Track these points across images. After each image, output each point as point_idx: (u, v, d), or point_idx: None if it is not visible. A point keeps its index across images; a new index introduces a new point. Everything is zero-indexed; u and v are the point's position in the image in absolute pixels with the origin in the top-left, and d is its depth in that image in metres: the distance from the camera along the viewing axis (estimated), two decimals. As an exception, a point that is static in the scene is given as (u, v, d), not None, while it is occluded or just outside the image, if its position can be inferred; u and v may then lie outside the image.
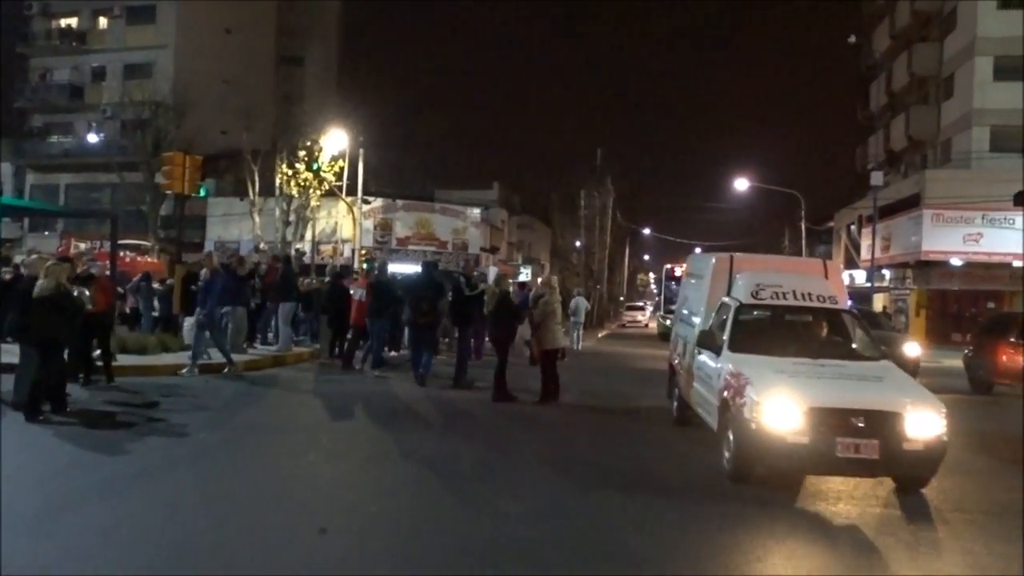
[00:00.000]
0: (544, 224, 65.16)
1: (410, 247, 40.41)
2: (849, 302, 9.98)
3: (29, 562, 4.85)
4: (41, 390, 8.97)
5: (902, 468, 6.95)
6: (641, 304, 65.57)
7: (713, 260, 10.22)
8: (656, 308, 48.99)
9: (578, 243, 56.76)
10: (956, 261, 31.63)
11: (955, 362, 18.71)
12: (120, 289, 16.48)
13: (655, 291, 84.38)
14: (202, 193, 22.19)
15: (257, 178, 37.23)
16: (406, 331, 16.18)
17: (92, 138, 43.59)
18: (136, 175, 39.05)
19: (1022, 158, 32.47)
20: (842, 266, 11.71)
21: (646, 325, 52.78)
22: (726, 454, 7.54)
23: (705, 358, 8.83)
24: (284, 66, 54.14)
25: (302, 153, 33.88)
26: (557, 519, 6.15)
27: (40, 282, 9.09)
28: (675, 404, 10.63)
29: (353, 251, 33.54)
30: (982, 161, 33.01)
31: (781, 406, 6.84)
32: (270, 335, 16.79)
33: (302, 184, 35.39)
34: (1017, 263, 30.45)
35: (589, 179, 52.48)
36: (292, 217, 36.86)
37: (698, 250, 53.50)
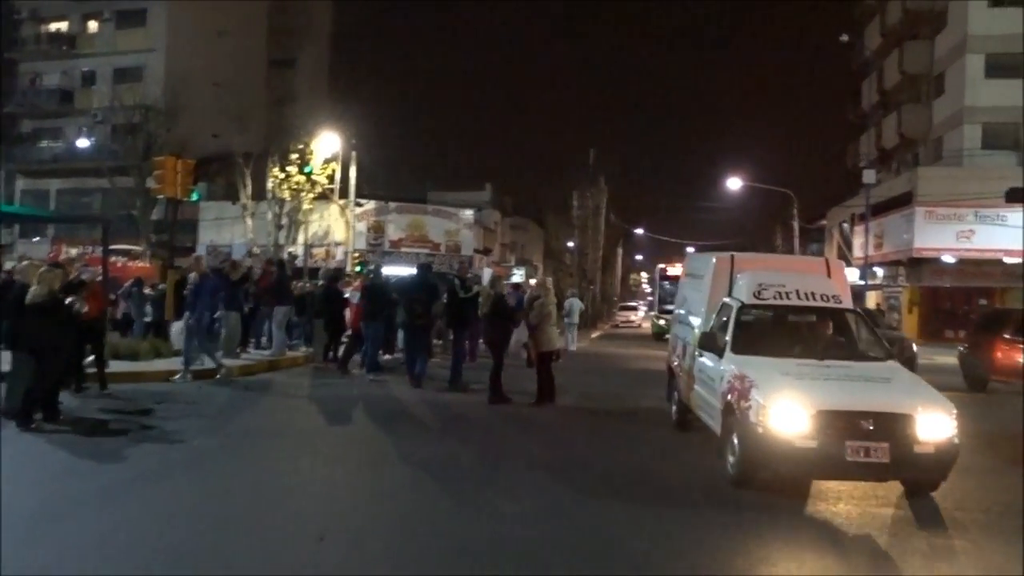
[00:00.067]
0: (537, 225, 65.18)
1: (403, 249, 40.32)
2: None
3: (24, 569, 4.79)
4: (34, 398, 8.88)
5: (913, 472, 6.78)
6: (635, 304, 65.65)
7: (713, 260, 10.00)
8: (650, 308, 49.00)
9: (571, 244, 56.78)
10: (948, 258, 31.76)
11: (948, 359, 18.71)
12: (112, 295, 16.38)
13: (648, 291, 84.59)
14: (194, 197, 22.10)
15: (249, 181, 37.08)
16: (400, 334, 16.17)
17: (82, 143, 43.34)
18: (127, 180, 38.85)
19: (1014, 155, 32.68)
20: (844, 264, 11.43)
21: (640, 325, 52.80)
22: (730, 459, 7.33)
23: (706, 360, 8.64)
24: (276, 68, 53.92)
25: (294, 156, 33.77)
26: (558, 523, 6.08)
27: (33, 289, 9.01)
28: (674, 407, 10.42)
29: (346, 254, 33.46)
30: (974, 158, 33.15)
31: (788, 409, 6.68)
32: (263, 340, 16.71)
33: (294, 187, 35.26)
34: (1009, 259, 30.59)
35: (582, 180, 52.50)
36: (284, 220, 36.73)
37: (691, 249, 53.60)
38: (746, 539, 5.81)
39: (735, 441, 7.21)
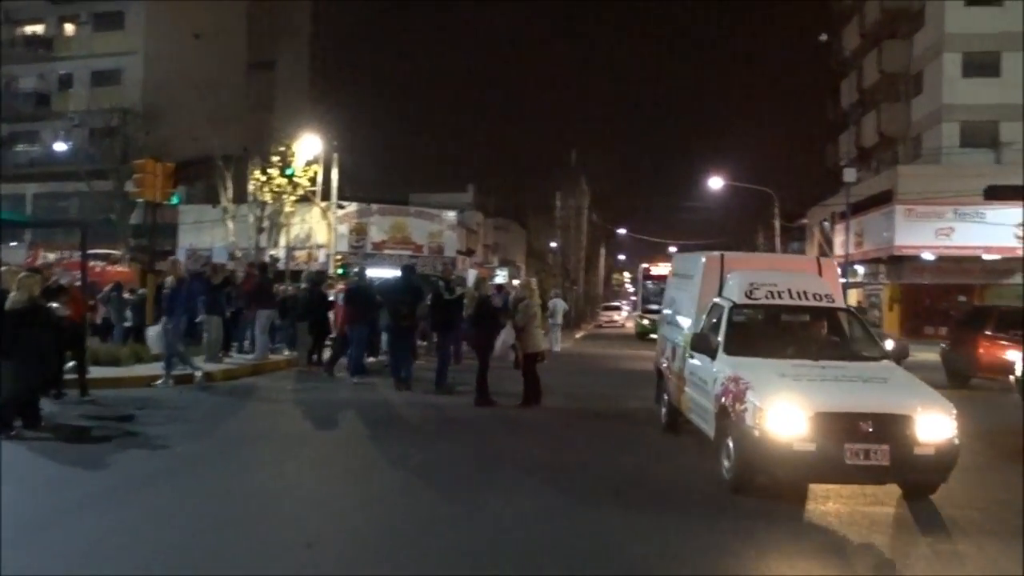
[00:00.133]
0: (519, 226, 65.16)
1: (386, 251, 40.18)
2: None
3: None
4: (13, 405, 8.73)
5: (914, 474, 6.65)
6: (618, 304, 65.83)
7: (703, 259, 9.76)
8: (633, 308, 49.11)
9: (553, 244, 56.84)
10: (928, 255, 31.99)
11: (929, 355, 18.83)
12: (91, 299, 16.18)
13: (630, 291, 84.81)
14: (174, 200, 21.83)
15: (230, 184, 36.81)
16: (383, 336, 16.09)
17: (59, 146, 42.85)
18: (105, 183, 38.46)
19: (991, 153, 32.99)
20: (836, 263, 11.29)
21: (623, 325, 52.94)
22: (725, 463, 7.17)
23: (698, 362, 8.45)
24: (255, 71, 53.57)
25: (275, 158, 33.55)
26: (552, 528, 6.00)
27: (13, 295, 8.87)
28: (664, 410, 10.22)
29: (328, 256, 33.28)
30: (952, 156, 33.40)
31: (786, 412, 6.53)
32: (246, 344, 16.57)
33: (276, 190, 35.03)
34: (988, 256, 30.87)
35: (564, 180, 52.58)
36: (266, 223, 36.48)
37: (673, 249, 53.90)
38: (744, 545, 5.70)
39: (730, 445, 7.05)
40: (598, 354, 26.00)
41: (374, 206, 41.36)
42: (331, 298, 16.81)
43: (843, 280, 32.50)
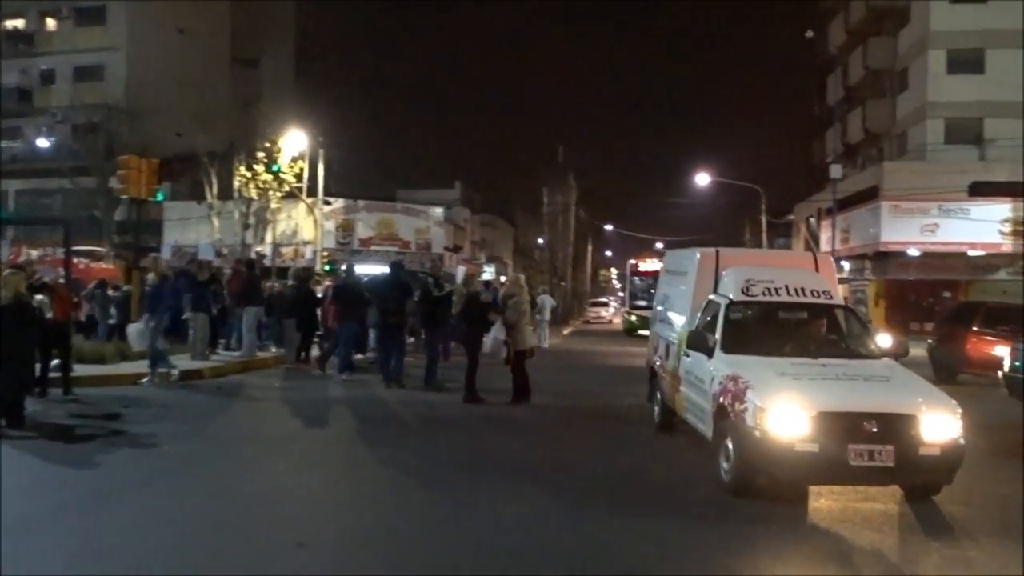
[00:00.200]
0: (506, 222, 65.09)
1: (373, 248, 40.02)
2: None
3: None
4: (-2, 404, 8.60)
5: (919, 475, 6.51)
6: (605, 300, 65.88)
7: (697, 255, 9.51)
8: (621, 304, 49.18)
9: (540, 240, 56.83)
10: (913, 251, 32.16)
11: (915, 351, 18.85)
12: (75, 297, 16.01)
13: (617, 286, 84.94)
14: (159, 197, 21.63)
15: (215, 180, 36.57)
16: (371, 333, 16.01)
17: (42, 143, 42.43)
18: (89, 180, 38.13)
19: (975, 149, 33.21)
20: (832, 259, 11.08)
21: (610, 321, 53.02)
22: (724, 465, 6.95)
23: (694, 361, 8.23)
24: (239, 67, 53.22)
25: (261, 155, 33.33)
26: (545, 529, 5.91)
27: (-2, 292, 8.74)
28: (657, 409, 9.99)
29: (315, 253, 33.10)
30: (937, 153, 33.59)
31: (787, 412, 6.35)
32: (233, 342, 16.44)
33: (261, 186, 34.82)
34: (972, 252, 31.08)
35: (552, 177, 52.56)
36: (252, 220, 36.26)
37: (659, 245, 54.05)
38: (747, 548, 5.57)
39: (729, 446, 6.86)
40: (586, 350, 26.00)
41: (361, 202, 41.17)
42: (319, 295, 16.69)
43: (832, 276, 32.94)
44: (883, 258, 33.27)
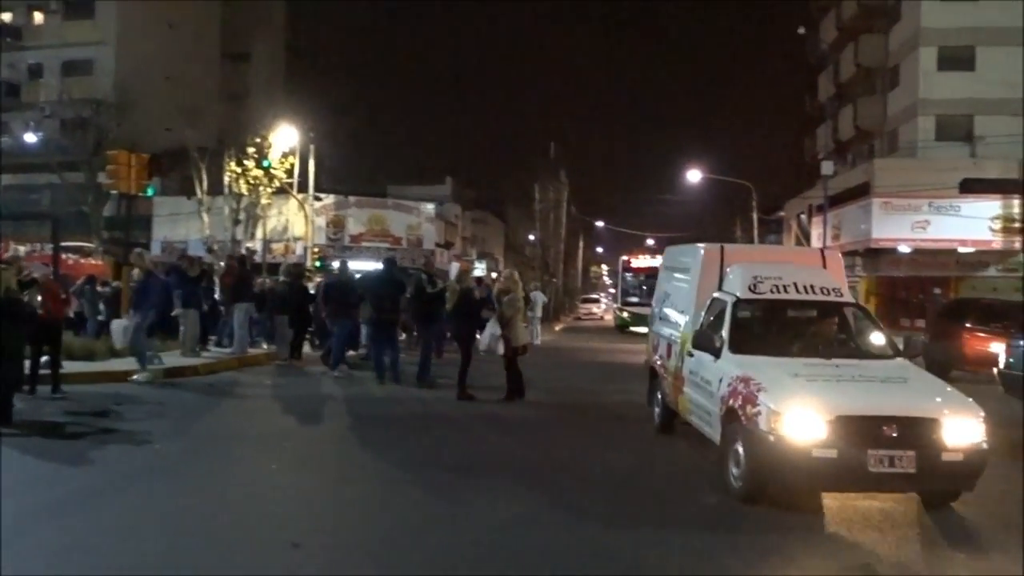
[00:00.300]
0: (497, 218, 65.02)
1: (364, 244, 39.89)
2: None
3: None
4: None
5: (941, 482, 6.24)
6: (596, 297, 65.90)
7: (701, 251, 9.15)
8: (613, 300, 49.20)
9: (531, 236, 56.78)
10: (904, 248, 32.23)
11: (910, 348, 18.89)
12: (63, 293, 15.85)
13: (608, 283, 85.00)
14: (149, 192, 21.46)
15: (205, 176, 36.35)
16: (363, 330, 15.92)
17: (30, 138, 42.09)
18: (77, 175, 37.83)
19: (966, 147, 33.30)
20: (840, 255, 10.44)
21: (602, 317, 53.03)
22: (733, 470, 6.64)
23: (699, 361, 7.91)
24: (229, 62, 52.96)
25: (251, 150, 33.15)
26: (544, 529, 5.82)
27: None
28: (657, 410, 9.68)
29: (305, 249, 32.97)
30: (928, 150, 33.66)
31: (804, 415, 6.06)
32: (225, 340, 16.32)
33: (252, 182, 34.63)
34: (963, 249, 31.16)
35: (543, 172, 52.49)
36: (242, 216, 36.07)
37: (650, 242, 54.05)
38: (762, 559, 5.37)
39: (740, 451, 6.55)
40: (579, 347, 25.97)
41: (352, 198, 41.01)
42: (311, 291, 16.60)
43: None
44: (874, 255, 33.33)
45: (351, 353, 15.96)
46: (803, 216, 41.61)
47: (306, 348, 16.63)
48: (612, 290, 59.04)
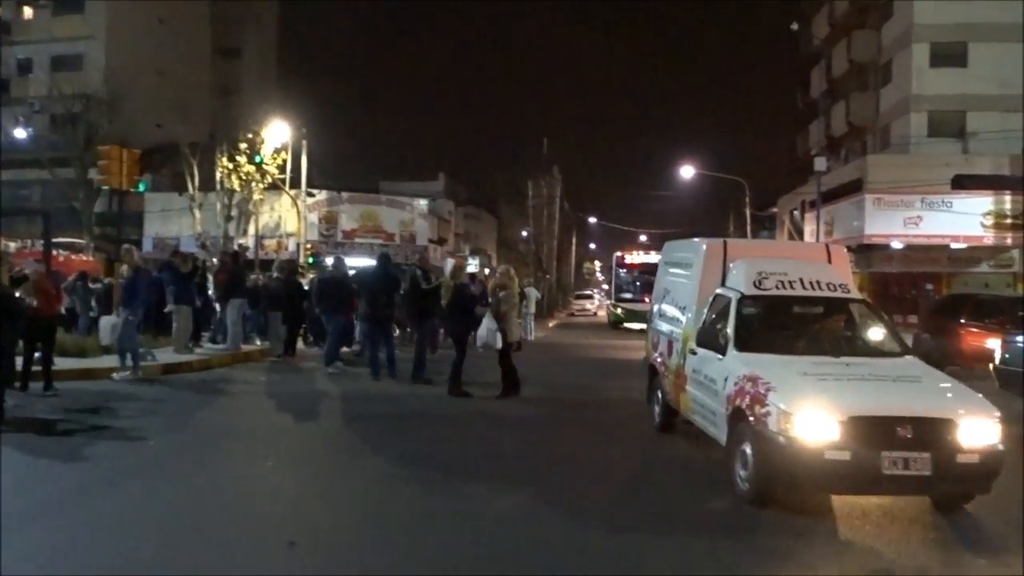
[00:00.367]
0: (490, 214, 64.96)
1: (357, 240, 39.80)
2: None
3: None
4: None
5: (957, 484, 6.08)
6: (590, 293, 65.93)
7: (703, 246, 8.98)
8: (606, 297, 49.18)
9: (524, 233, 56.78)
10: (897, 244, 32.32)
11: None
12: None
13: (601, 279, 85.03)
14: (141, 188, 21.36)
15: (196, 172, 36.17)
16: (357, 326, 15.87)
17: (19, 133, 41.80)
18: (68, 171, 37.60)
19: (958, 143, 33.40)
20: (846, 250, 10.19)
21: (595, 313, 53.04)
22: (741, 472, 6.46)
23: (703, 359, 7.74)
24: (221, 57, 52.75)
25: (243, 146, 32.99)
26: (542, 529, 5.76)
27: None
28: (657, 409, 9.49)
29: (298, 245, 32.84)
30: (920, 146, 33.74)
31: (816, 416, 5.90)
32: (218, 337, 16.23)
33: (244, 178, 34.46)
34: (955, 245, 31.27)
35: (536, 168, 52.48)
36: (234, 212, 35.91)
37: (643, 238, 54.10)
38: (770, 562, 5.24)
39: (747, 452, 6.36)
40: (573, 343, 25.94)
41: (344, 194, 40.91)
42: (305, 287, 16.53)
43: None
44: (866, 251, 33.41)
45: (345, 349, 15.91)
46: (796, 212, 41.68)
47: (300, 344, 16.55)
48: (605, 286, 58.96)
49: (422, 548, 5.32)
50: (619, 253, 38.30)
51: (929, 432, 5.92)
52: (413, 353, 13.28)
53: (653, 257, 33.37)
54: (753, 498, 6.32)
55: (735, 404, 6.70)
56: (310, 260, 28.86)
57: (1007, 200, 29.87)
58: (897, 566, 5.33)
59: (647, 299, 30.16)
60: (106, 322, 13.51)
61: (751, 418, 6.38)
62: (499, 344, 11.47)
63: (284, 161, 32.17)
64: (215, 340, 16.12)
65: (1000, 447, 6.06)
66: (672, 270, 10.03)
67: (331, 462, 7.91)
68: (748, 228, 41.01)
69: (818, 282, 7.86)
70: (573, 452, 8.40)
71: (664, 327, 9.65)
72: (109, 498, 6.31)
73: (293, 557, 5.09)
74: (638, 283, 34.49)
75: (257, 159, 31.75)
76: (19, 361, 10.70)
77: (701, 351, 7.81)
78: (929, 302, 26.03)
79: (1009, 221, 30.01)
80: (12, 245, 26.45)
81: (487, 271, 42.93)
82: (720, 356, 7.33)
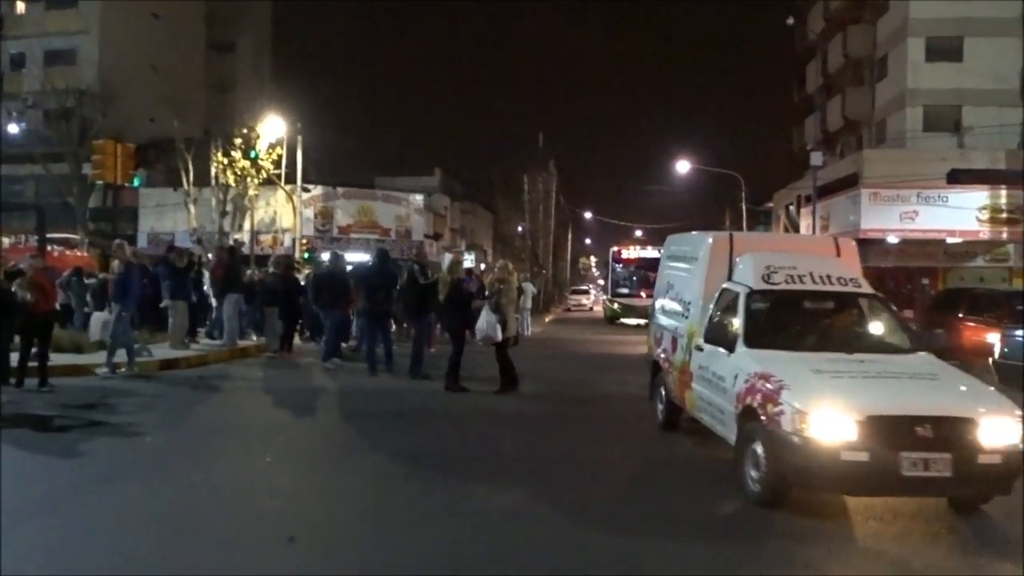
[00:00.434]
0: (486, 210, 64.88)
1: (352, 235, 39.73)
2: None
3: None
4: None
5: (978, 486, 5.90)
6: (586, 288, 65.91)
7: (708, 240, 8.73)
8: (602, 292, 49.19)
9: (520, 228, 56.74)
10: (893, 239, 32.35)
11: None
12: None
13: (597, 274, 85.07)
14: (135, 183, 21.25)
15: (191, 167, 36.06)
16: (354, 321, 15.83)
17: (13, 128, 41.60)
18: (62, 166, 37.45)
19: (954, 137, 33.42)
20: (855, 243, 9.53)
21: (591, 309, 53.04)
22: (752, 473, 6.26)
23: (711, 355, 7.51)
24: (215, 52, 52.56)
25: (238, 141, 32.89)
26: (544, 527, 5.71)
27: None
28: (660, 406, 9.27)
29: (294, 240, 32.76)
30: (916, 141, 33.76)
31: (833, 416, 5.71)
32: (215, 332, 16.17)
33: (239, 173, 34.36)
34: (951, 240, 31.30)
35: (532, 163, 52.43)
36: (229, 207, 35.81)
37: (638, 232, 54.05)
38: (784, 566, 5.06)
39: (759, 452, 6.16)
40: (570, 338, 25.91)
41: (340, 189, 40.82)
42: (302, 283, 16.48)
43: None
44: (863, 245, 33.28)
45: (342, 345, 15.86)
46: (792, 207, 41.68)
47: (296, 340, 16.50)
48: (601, 281, 58.99)
49: (421, 545, 5.28)
50: (615, 248, 38.27)
51: (949, 432, 5.74)
52: (411, 348, 13.24)
53: (649, 252, 33.35)
54: (765, 499, 6.16)
55: (745, 402, 6.50)
56: (306, 255, 28.79)
57: (1003, 194, 29.87)
58: (912, 570, 5.15)
59: (643, 294, 30.20)
60: (97, 318, 13.42)
61: (763, 417, 6.19)
62: (499, 336, 11.37)
63: (279, 156, 32.09)
64: (211, 336, 16.07)
65: (1021, 447, 5.85)
66: (675, 264, 9.79)
67: (329, 458, 7.87)
68: (744, 223, 41.03)
69: (828, 276, 7.66)
70: (573, 449, 8.33)
71: (667, 322, 9.44)
72: (106, 495, 6.27)
73: (291, 554, 5.05)
74: (634, 278, 34.48)
75: (252, 154, 31.65)
76: (15, 357, 10.66)
77: (708, 347, 7.62)
78: (926, 297, 26.04)
79: (1005, 215, 30.01)
80: (6, 241, 26.34)
81: (483, 267, 42.92)
82: (728, 352, 7.13)
